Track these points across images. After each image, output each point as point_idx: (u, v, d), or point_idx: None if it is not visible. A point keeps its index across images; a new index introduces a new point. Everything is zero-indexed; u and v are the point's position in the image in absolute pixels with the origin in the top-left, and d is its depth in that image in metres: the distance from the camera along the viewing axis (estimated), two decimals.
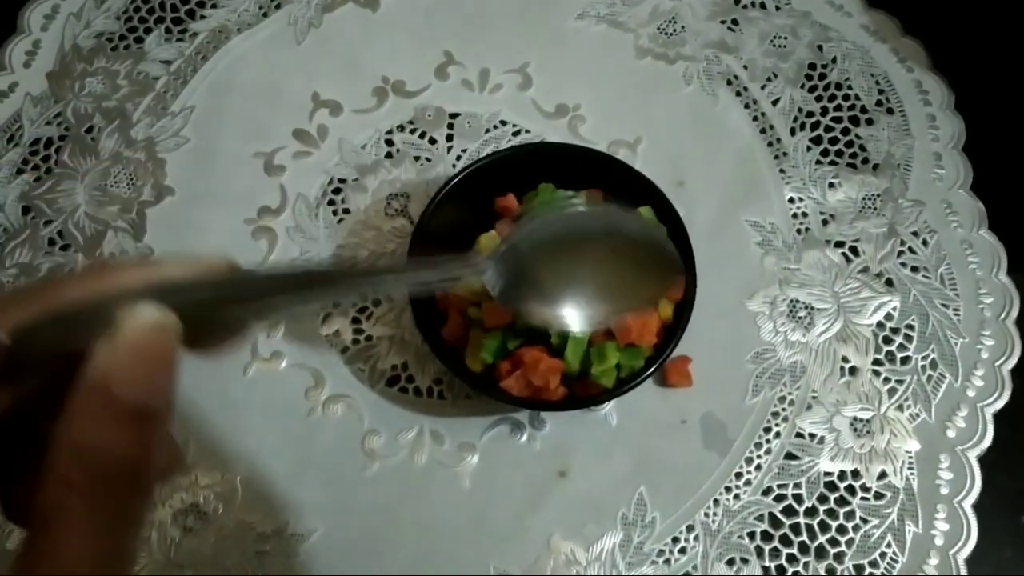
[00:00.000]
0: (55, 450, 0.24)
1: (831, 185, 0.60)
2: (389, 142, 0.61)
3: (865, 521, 0.53)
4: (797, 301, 0.57)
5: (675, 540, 0.52)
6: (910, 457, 0.54)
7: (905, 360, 0.56)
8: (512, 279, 0.42)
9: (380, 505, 0.53)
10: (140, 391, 0.25)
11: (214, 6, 0.65)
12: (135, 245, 0.58)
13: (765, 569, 0.52)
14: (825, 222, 0.59)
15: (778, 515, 0.53)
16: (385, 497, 0.53)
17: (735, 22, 0.65)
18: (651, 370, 0.49)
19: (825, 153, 0.61)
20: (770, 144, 0.61)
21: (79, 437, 0.24)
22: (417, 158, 0.61)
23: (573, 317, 0.43)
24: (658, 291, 0.45)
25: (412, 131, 0.62)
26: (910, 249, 0.59)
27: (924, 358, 0.56)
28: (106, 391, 0.24)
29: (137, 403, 0.25)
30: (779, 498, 0.53)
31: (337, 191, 0.60)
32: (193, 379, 0.54)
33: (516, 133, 0.62)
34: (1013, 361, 0.56)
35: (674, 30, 0.65)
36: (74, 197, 0.59)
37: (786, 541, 0.52)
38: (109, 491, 0.24)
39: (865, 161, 0.61)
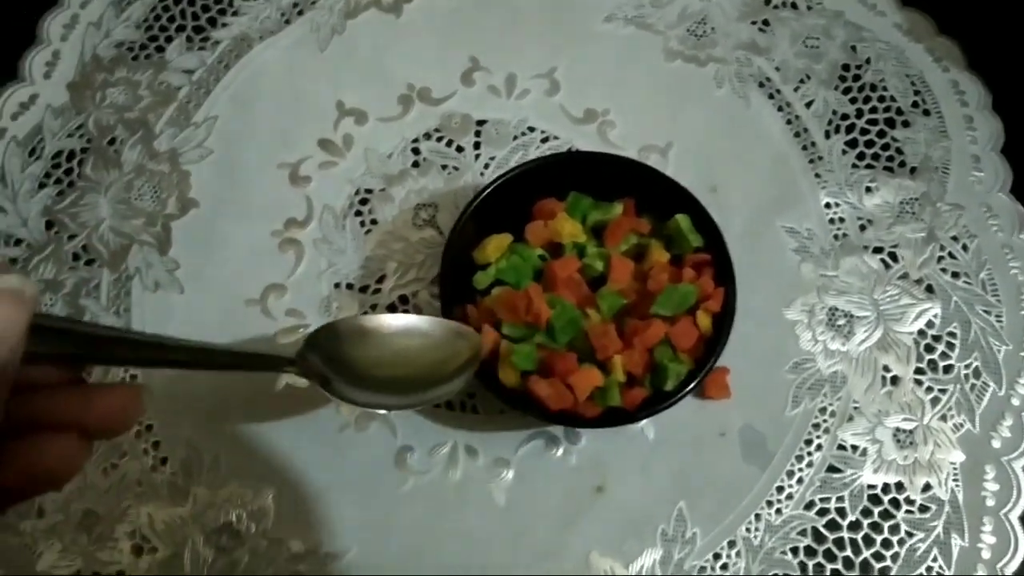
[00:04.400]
0: None
1: (868, 189, 0.59)
2: (416, 151, 0.60)
3: (910, 535, 0.52)
4: (836, 309, 0.56)
5: (716, 556, 0.51)
6: (955, 468, 0.53)
7: (948, 369, 0.55)
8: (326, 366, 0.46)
9: (415, 522, 0.52)
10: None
11: (235, 14, 0.64)
12: (160, 259, 0.57)
13: None
14: (863, 227, 0.58)
15: (821, 529, 0.52)
16: (420, 514, 0.52)
17: (766, 23, 0.64)
18: (691, 385, 0.48)
19: (861, 156, 0.60)
20: (804, 148, 0.60)
21: None
22: (444, 166, 0.60)
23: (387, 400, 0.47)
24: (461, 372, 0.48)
25: (439, 139, 0.61)
26: (950, 254, 0.58)
27: (967, 366, 0.55)
28: None
29: None
30: (822, 512, 0.52)
31: (364, 201, 0.59)
32: (222, 395, 0.53)
33: (544, 139, 0.61)
34: None
35: (704, 32, 0.64)
36: (98, 211, 0.58)
37: (830, 556, 0.51)
38: None
39: (902, 164, 0.60)
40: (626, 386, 0.49)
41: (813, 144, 0.60)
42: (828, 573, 0.51)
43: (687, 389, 0.48)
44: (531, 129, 0.61)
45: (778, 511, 0.52)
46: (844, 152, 0.60)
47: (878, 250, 0.58)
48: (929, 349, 0.55)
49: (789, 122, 0.61)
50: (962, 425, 0.54)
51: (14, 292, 0.26)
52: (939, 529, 0.52)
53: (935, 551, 0.51)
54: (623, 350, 0.49)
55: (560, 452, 0.53)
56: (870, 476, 0.53)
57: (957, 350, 0.55)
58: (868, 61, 0.63)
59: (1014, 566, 0.51)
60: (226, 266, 0.57)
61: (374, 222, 0.58)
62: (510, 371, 0.49)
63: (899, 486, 0.53)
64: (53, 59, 0.63)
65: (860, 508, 0.52)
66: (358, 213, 0.59)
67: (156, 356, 0.36)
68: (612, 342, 0.48)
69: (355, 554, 0.51)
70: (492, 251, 0.52)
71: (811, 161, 0.60)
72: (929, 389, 0.55)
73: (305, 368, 0.45)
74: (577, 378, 0.48)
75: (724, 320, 0.50)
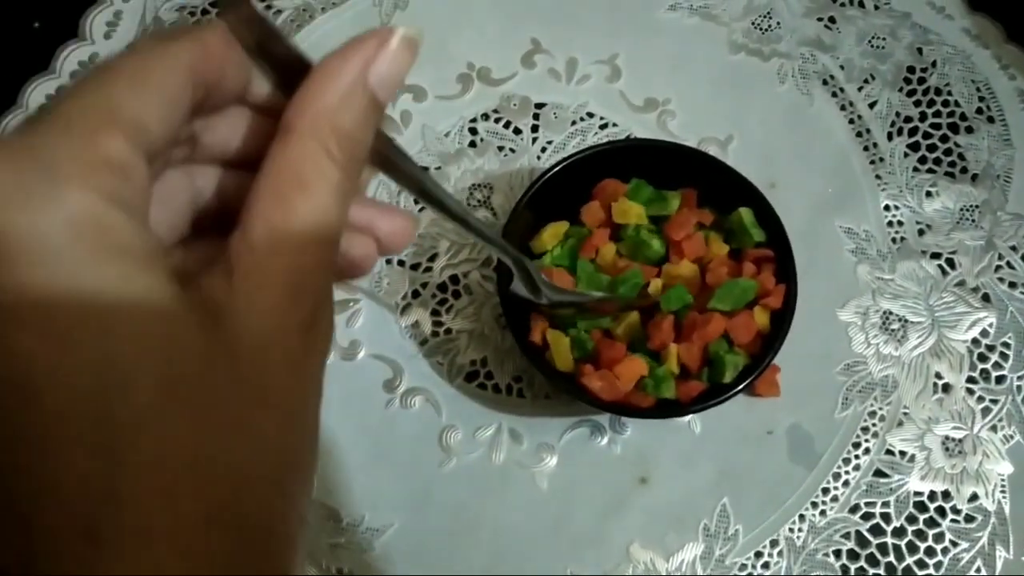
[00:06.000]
0: (314, 125, 0.25)
1: (928, 194, 0.58)
2: (473, 131, 0.60)
3: (955, 544, 0.51)
4: (890, 313, 0.55)
5: (758, 555, 0.51)
6: (1003, 480, 0.52)
7: (1000, 379, 0.54)
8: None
9: (457, 502, 0.52)
10: (386, 90, 0.27)
11: None
12: None
13: None
14: (921, 232, 0.57)
15: (865, 534, 0.51)
16: (462, 495, 0.52)
17: (832, 20, 0.63)
18: (747, 381, 0.48)
19: (923, 160, 0.59)
20: (866, 148, 0.59)
21: (344, 124, 0.26)
22: (501, 148, 0.59)
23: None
24: None
25: (497, 120, 0.60)
26: (1008, 264, 0.57)
27: (1020, 378, 0.54)
28: (367, 86, 0.26)
29: (380, 100, 0.27)
30: (867, 516, 0.52)
31: None
32: None
33: (603, 126, 0.60)
34: None
35: (769, 26, 0.63)
36: None
37: (873, 561, 0.51)
38: (355, 172, 0.26)
39: (964, 170, 0.59)
40: (681, 379, 0.48)
41: (875, 145, 0.60)
42: None
43: (742, 385, 0.48)
44: (590, 115, 0.60)
45: (822, 513, 0.52)
46: (906, 155, 0.59)
47: (936, 256, 0.57)
48: (982, 358, 0.55)
49: (852, 121, 0.60)
50: (1012, 437, 0.53)
51: (412, 40, 0.27)
52: (984, 540, 0.51)
53: (979, 562, 0.51)
54: (680, 342, 0.48)
55: (605, 441, 0.53)
56: (917, 483, 0.52)
57: (1011, 361, 0.55)
58: (934, 64, 0.62)
59: None
60: None
61: None
62: (564, 357, 0.49)
63: (946, 494, 0.52)
64: (115, 19, 0.63)
65: (905, 514, 0.52)
66: None
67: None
68: (668, 333, 0.48)
69: (396, 530, 0.51)
70: (548, 239, 0.52)
71: (872, 162, 0.59)
72: (980, 399, 0.54)
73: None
74: (622, 368, 0.48)
75: (783, 317, 0.49)
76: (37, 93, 0.60)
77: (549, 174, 0.52)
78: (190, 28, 0.27)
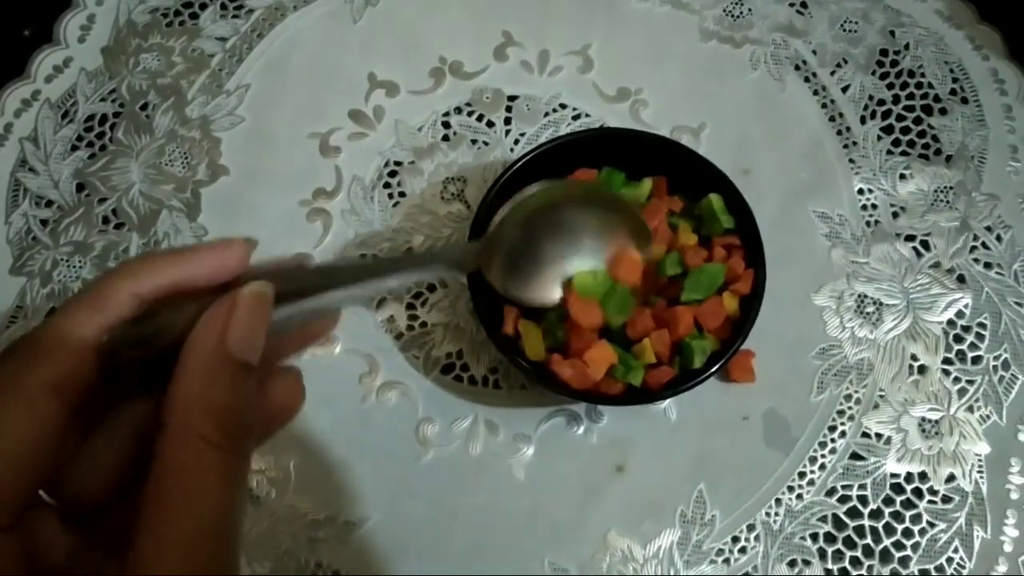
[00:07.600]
0: (185, 415, 0.26)
1: (902, 176, 0.58)
2: (446, 124, 0.60)
3: (932, 525, 0.51)
4: (865, 296, 0.55)
5: (735, 539, 0.51)
6: (980, 460, 0.52)
7: (976, 360, 0.54)
8: (505, 263, 0.47)
9: (434, 495, 0.52)
10: (250, 351, 0.28)
11: None
12: (189, 225, 0.57)
13: (828, 572, 0.50)
14: (895, 214, 0.57)
15: (842, 516, 0.51)
16: (439, 487, 0.52)
17: (804, 5, 0.63)
18: (716, 367, 0.48)
19: (896, 143, 0.59)
20: (839, 133, 0.59)
21: (217, 402, 0.27)
22: (474, 141, 0.60)
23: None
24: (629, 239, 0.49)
25: (470, 113, 0.60)
26: (983, 244, 0.57)
27: (996, 358, 0.54)
28: (229, 355, 0.27)
29: (247, 361, 0.28)
30: (843, 499, 0.52)
31: (393, 174, 0.59)
32: None
33: (576, 117, 0.60)
34: None
35: (741, 12, 0.63)
36: (128, 175, 0.59)
37: (850, 543, 0.51)
38: (239, 443, 0.27)
39: (938, 152, 0.59)
40: (652, 366, 0.49)
41: (848, 129, 0.59)
42: (847, 560, 0.51)
43: (711, 371, 0.48)
44: (563, 106, 0.60)
45: (799, 496, 0.52)
46: (879, 138, 0.59)
47: (910, 238, 0.57)
48: (958, 339, 0.55)
49: (824, 106, 0.60)
50: (988, 417, 0.53)
51: (259, 295, 0.30)
52: (961, 520, 0.51)
53: (956, 542, 0.51)
54: (652, 331, 0.49)
55: (581, 430, 0.53)
56: (893, 465, 0.52)
57: (986, 341, 0.55)
58: (907, 47, 0.62)
59: None
60: (254, 234, 0.57)
61: (402, 195, 0.58)
62: (535, 346, 0.49)
63: (922, 476, 0.52)
64: (88, 23, 0.63)
65: (882, 497, 0.52)
66: (387, 185, 0.59)
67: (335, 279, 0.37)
68: (648, 324, 0.48)
69: (374, 523, 0.51)
70: None
71: (845, 146, 0.59)
72: (956, 379, 0.54)
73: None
74: (592, 354, 0.48)
75: (752, 302, 0.49)
76: (13, 98, 0.60)
77: (518, 164, 0.52)
78: (52, 345, 0.28)
